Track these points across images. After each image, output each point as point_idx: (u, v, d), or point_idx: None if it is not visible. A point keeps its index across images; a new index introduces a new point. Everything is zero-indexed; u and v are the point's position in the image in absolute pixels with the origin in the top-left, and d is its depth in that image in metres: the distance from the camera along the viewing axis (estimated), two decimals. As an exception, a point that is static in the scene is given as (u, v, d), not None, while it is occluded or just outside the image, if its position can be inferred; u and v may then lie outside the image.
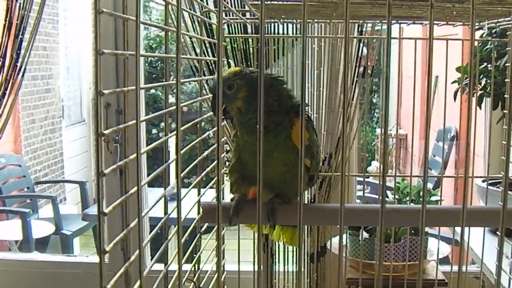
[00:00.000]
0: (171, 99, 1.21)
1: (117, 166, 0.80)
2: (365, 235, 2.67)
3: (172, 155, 1.06)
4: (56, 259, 3.81)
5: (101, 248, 0.76)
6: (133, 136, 0.84)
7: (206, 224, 1.72)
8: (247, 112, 1.53)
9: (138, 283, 0.85)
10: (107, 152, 3.36)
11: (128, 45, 0.98)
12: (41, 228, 5.94)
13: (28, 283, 3.58)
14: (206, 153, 1.67)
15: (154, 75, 8.76)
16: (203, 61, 2.76)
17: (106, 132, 0.76)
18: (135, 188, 0.83)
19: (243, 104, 1.53)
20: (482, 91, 2.53)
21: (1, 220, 6.14)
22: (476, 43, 2.37)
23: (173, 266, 1.19)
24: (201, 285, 1.70)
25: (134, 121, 0.80)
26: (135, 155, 0.82)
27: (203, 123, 1.71)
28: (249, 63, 2.96)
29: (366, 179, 2.86)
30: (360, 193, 4.02)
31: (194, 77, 2.97)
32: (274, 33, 2.82)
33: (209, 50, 2.86)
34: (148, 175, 0.96)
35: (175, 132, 1.00)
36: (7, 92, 3.34)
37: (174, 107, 1.07)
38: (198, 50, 2.92)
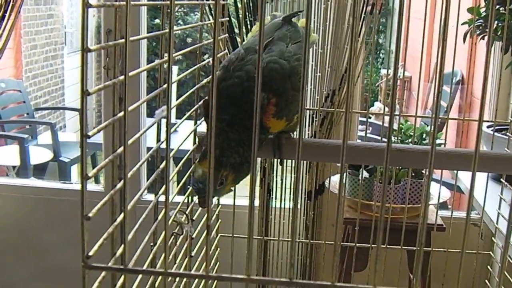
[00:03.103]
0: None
1: (99, 88, 0.74)
2: (365, 174, 2.62)
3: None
4: (53, 186, 3.78)
5: (83, 173, 0.71)
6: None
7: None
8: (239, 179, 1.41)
9: (122, 215, 0.80)
10: (107, 80, 3.29)
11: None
12: (39, 155, 5.93)
13: (25, 208, 3.56)
14: (204, 81, 1.61)
15: (158, 6, 8.65)
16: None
17: (92, 48, 0.70)
18: (122, 113, 0.77)
19: (234, 183, 1.39)
20: (493, 35, 2.45)
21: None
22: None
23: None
24: (193, 218, 1.66)
25: (123, 40, 0.74)
26: (123, 77, 0.76)
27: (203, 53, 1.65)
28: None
29: (369, 120, 2.79)
30: (361, 134, 3.97)
31: (196, 7, 2.88)
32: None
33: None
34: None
35: (166, 58, 0.94)
36: (7, 13, 3.25)
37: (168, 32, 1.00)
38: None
